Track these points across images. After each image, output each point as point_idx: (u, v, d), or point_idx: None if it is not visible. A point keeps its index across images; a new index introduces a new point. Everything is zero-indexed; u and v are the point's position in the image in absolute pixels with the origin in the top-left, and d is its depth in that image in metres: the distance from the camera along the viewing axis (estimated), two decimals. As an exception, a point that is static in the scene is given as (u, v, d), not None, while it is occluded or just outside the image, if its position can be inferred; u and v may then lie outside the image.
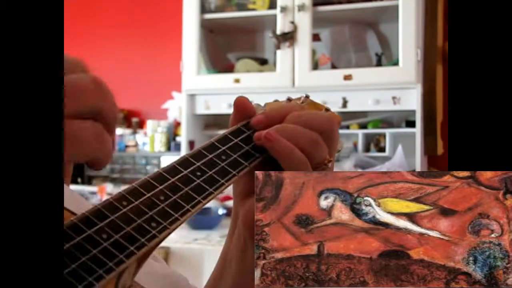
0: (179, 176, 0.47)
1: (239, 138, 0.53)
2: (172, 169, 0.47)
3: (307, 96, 0.64)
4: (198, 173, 0.48)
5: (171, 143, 3.01)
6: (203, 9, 2.69)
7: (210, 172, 0.49)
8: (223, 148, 0.51)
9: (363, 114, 2.62)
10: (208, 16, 2.69)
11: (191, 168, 0.48)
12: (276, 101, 0.62)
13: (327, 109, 0.63)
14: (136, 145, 3.09)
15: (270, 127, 0.51)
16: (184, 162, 0.49)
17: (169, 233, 0.43)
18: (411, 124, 2.44)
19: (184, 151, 2.64)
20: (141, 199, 0.43)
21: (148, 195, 0.44)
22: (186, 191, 0.46)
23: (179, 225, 0.44)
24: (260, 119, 0.53)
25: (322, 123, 0.52)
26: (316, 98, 0.66)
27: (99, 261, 0.37)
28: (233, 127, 0.54)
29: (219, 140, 0.52)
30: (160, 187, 0.45)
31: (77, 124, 0.43)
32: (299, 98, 0.64)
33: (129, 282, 0.40)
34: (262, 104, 0.60)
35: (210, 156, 0.50)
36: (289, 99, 0.62)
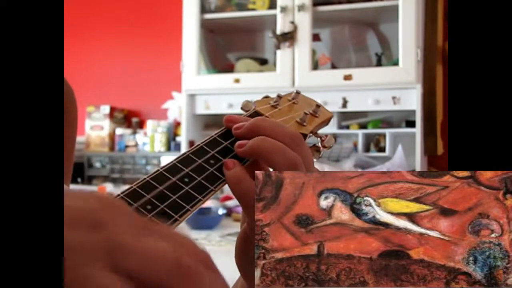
0: (167, 184, 0.46)
1: (228, 142, 0.53)
2: (159, 176, 0.46)
3: (297, 92, 0.64)
4: (186, 180, 0.47)
5: (171, 143, 3.02)
6: (203, 9, 2.70)
7: (199, 179, 0.48)
8: (212, 152, 0.51)
9: (363, 114, 2.62)
10: (208, 16, 2.69)
11: (180, 174, 0.47)
12: (267, 97, 0.62)
13: (318, 105, 0.63)
14: (136, 145, 3.09)
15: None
16: (172, 168, 0.48)
17: None
18: (411, 124, 2.45)
19: (184, 151, 2.64)
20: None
21: (135, 205, 0.43)
22: (174, 200, 0.45)
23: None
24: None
25: (286, 140, 0.50)
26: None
27: None
28: (222, 129, 0.54)
29: (208, 143, 0.52)
30: (148, 196, 0.44)
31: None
32: (289, 94, 0.64)
33: None
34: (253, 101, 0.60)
35: (199, 161, 0.49)
36: (279, 96, 0.62)
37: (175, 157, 0.50)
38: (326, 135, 0.59)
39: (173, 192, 0.46)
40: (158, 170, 0.47)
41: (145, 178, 0.46)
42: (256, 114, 0.58)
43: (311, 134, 0.60)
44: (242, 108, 0.60)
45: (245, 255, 0.51)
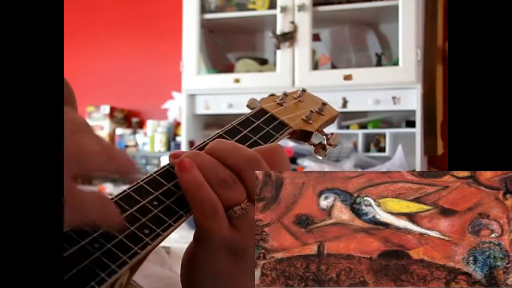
0: (174, 181, 0.46)
1: None
2: (165, 172, 0.47)
3: (303, 90, 0.64)
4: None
5: (171, 143, 3.01)
6: (203, 9, 2.69)
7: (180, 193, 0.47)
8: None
9: (363, 114, 2.62)
10: (208, 16, 2.69)
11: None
12: (273, 95, 0.63)
13: (324, 103, 0.62)
14: (136, 145, 3.09)
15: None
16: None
17: (162, 240, 0.42)
18: (411, 124, 2.45)
19: (184, 150, 2.64)
20: (135, 206, 0.43)
21: (143, 202, 0.43)
22: (179, 195, 0.45)
23: (172, 231, 0.43)
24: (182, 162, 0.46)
25: (239, 162, 0.46)
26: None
27: (91, 272, 0.37)
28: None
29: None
30: (156, 193, 0.44)
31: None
32: (295, 92, 0.64)
33: (124, 284, 0.40)
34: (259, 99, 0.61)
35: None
36: (285, 94, 0.62)
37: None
38: (332, 133, 0.59)
39: (179, 189, 0.45)
40: (165, 166, 0.47)
41: (151, 174, 0.46)
42: (261, 111, 0.58)
43: (316, 132, 0.60)
44: (248, 106, 0.60)
45: (193, 281, 0.48)
